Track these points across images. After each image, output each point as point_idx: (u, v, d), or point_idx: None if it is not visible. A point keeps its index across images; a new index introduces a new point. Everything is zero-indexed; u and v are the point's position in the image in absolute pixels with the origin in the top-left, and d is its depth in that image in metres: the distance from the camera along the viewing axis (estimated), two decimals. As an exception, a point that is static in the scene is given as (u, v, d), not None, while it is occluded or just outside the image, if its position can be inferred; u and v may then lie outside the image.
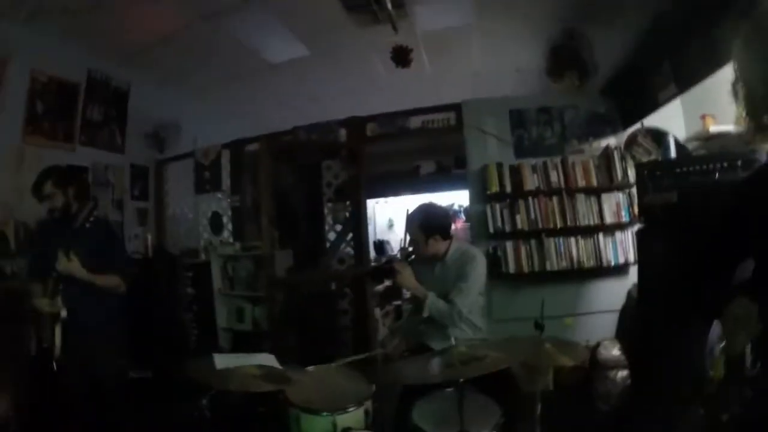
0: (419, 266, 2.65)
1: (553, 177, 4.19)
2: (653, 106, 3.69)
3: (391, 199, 8.65)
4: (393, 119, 4.72)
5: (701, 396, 1.97)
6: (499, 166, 4.28)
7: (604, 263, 4.14)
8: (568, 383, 3.79)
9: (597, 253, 4.15)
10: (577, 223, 4.14)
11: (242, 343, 4.59)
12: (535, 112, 4.46)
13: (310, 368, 2.29)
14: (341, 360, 2.43)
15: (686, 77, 3.20)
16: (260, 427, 2.85)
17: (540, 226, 4.18)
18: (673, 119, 3.93)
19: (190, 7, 3.81)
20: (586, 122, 4.41)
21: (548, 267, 4.18)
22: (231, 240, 4.95)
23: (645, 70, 3.73)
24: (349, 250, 4.59)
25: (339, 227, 4.64)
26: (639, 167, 3.27)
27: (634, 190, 3.87)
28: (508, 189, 4.23)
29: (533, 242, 4.23)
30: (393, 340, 2.91)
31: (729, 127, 3.20)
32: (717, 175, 2.64)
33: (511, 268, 4.23)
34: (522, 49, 4.57)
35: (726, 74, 2.79)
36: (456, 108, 4.54)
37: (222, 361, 1.94)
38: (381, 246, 8.48)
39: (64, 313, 2.34)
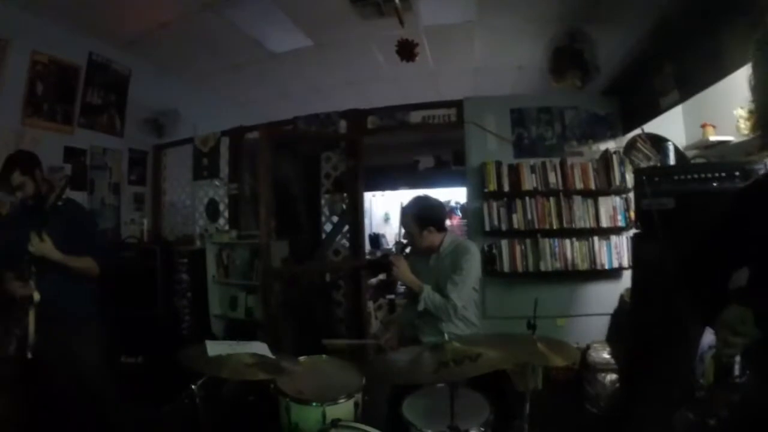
0: (414, 259, 2.66)
1: (552, 178, 4.20)
2: (655, 111, 3.70)
3: (388, 193, 8.67)
4: (394, 113, 4.71)
5: (691, 400, 1.99)
6: (498, 164, 4.28)
7: (598, 266, 4.15)
8: (559, 380, 3.84)
9: (591, 255, 4.17)
10: (573, 225, 4.15)
11: (235, 330, 4.60)
12: (535, 111, 4.46)
13: (302, 358, 2.30)
14: (335, 340, 2.43)
15: (689, 85, 3.20)
16: (250, 415, 2.87)
17: (536, 226, 4.19)
18: (674, 126, 3.94)
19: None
20: (587, 123, 4.42)
21: (542, 267, 4.19)
22: (227, 228, 4.94)
23: (648, 74, 3.73)
24: (345, 242, 4.59)
25: (335, 219, 4.64)
26: (637, 172, 3.27)
27: (631, 194, 3.88)
28: (506, 188, 4.23)
29: (528, 242, 4.24)
30: (386, 333, 2.91)
31: (729, 137, 3.22)
32: (715, 184, 2.65)
33: (506, 267, 4.24)
34: (524, 47, 4.57)
35: (728, 84, 2.81)
36: (457, 104, 4.54)
37: (214, 348, 1.94)
38: (376, 239, 8.51)
39: (37, 297, 2.26)
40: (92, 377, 2.54)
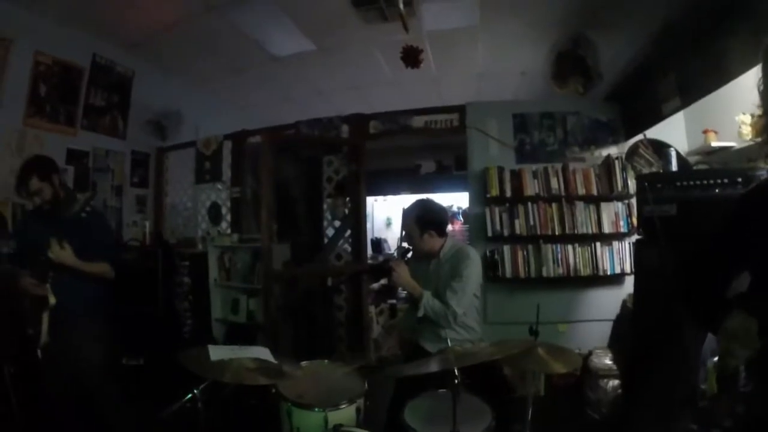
0: (415, 264, 2.64)
1: (554, 183, 4.21)
2: (657, 117, 3.70)
3: (390, 198, 8.67)
4: (396, 117, 4.72)
5: (693, 409, 1.98)
6: (500, 169, 4.29)
7: (601, 272, 4.15)
8: (560, 385, 3.83)
9: (594, 261, 4.17)
10: (576, 231, 4.16)
11: (236, 334, 4.59)
12: (538, 116, 4.47)
13: (304, 363, 2.29)
14: (336, 365, 2.43)
15: (691, 91, 3.21)
16: (252, 419, 2.86)
17: (538, 231, 4.20)
18: (676, 132, 3.95)
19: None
20: (589, 129, 4.42)
21: (545, 273, 4.19)
22: (229, 231, 4.94)
23: (650, 80, 3.74)
24: (347, 246, 4.59)
25: (337, 223, 4.64)
26: (640, 178, 3.27)
27: (633, 200, 3.88)
28: (508, 193, 4.24)
29: (531, 247, 4.24)
30: (388, 338, 2.90)
31: (731, 143, 3.22)
32: (717, 190, 2.65)
33: (508, 273, 4.24)
34: (527, 53, 4.58)
35: (730, 90, 2.81)
36: (460, 109, 4.54)
37: (216, 352, 1.93)
38: (378, 244, 8.50)
39: (53, 300, 2.32)
40: (98, 378, 2.58)
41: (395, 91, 5.64)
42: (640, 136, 4.03)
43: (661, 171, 3.62)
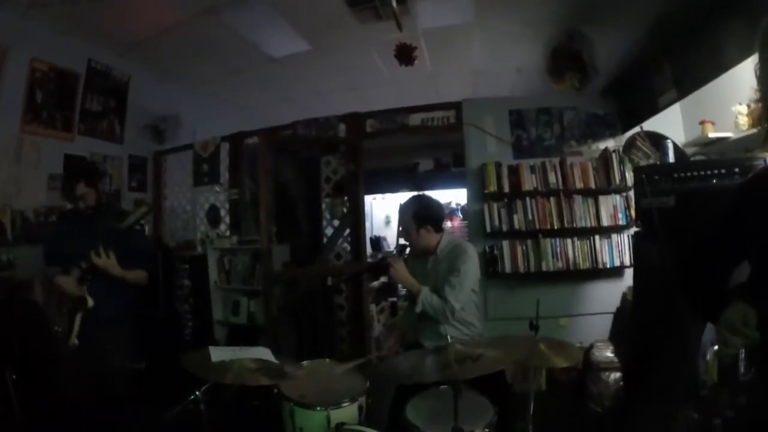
0: (413, 261, 2.64)
1: (552, 178, 4.21)
2: (653, 109, 3.71)
3: (389, 196, 8.68)
4: (393, 116, 4.72)
5: (694, 399, 1.98)
6: (498, 165, 4.29)
7: (600, 265, 4.16)
8: (562, 379, 3.84)
9: (593, 254, 4.17)
10: (574, 225, 4.16)
11: (237, 336, 4.59)
12: (534, 112, 4.47)
13: (305, 363, 2.30)
14: (338, 364, 2.43)
15: (687, 82, 3.21)
16: (254, 420, 2.87)
17: (537, 226, 4.20)
18: (672, 124, 3.95)
19: (192, -1, 3.80)
20: (586, 124, 4.43)
21: (544, 267, 4.20)
22: (228, 233, 4.94)
23: (646, 73, 3.74)
24: (346, 245, 4.59)
25: (336, 223, 4.64)
26: (637, 171, 3.27)
27: (631, 193, 3.88)
28: (506, 189, 4.24)
29: (530, 242, 4.25)
30: (388, 336, 2.90)
31: (728, 134, 3.22)
32: (715, 181, 2.65)
33: (508, 268, 4.25)
34: (523, 49, 4.57)
35: (726, 80, 2.81)
36: (456, 106, 4.55)
37: (218, 354, 1.94)
38: (377, 242, 8.51)
39: (91, 303, 2.39)
40: (122, 382, 2.66)
41: (392, 90, 5.64)
42: (637, 129, 4.03)
43: (659, 163, 3.63)
